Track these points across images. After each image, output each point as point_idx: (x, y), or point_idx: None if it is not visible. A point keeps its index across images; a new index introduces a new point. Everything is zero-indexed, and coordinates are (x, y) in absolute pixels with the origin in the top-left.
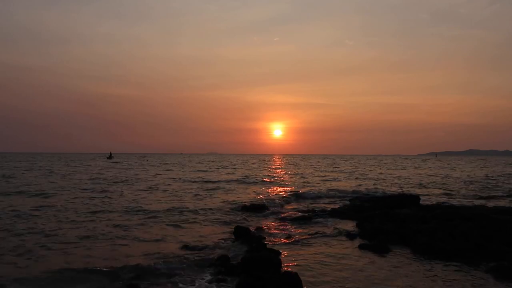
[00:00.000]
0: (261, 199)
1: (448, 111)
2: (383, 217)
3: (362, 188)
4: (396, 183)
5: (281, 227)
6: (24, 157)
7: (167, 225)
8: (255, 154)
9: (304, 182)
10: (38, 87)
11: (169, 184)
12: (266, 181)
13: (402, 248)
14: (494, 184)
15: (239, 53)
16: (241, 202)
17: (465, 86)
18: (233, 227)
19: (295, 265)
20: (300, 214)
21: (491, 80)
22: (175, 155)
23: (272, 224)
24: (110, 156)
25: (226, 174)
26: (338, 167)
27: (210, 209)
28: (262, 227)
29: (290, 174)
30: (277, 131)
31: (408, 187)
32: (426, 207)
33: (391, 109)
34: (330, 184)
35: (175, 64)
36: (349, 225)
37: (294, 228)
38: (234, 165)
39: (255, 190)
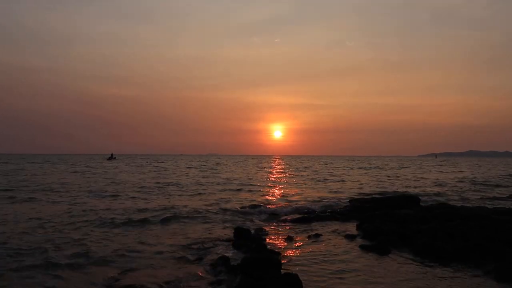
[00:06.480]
0: (261, 200)
1: (448, 111)
2: (383, 218)
3: (362, 189)
4: (395, 184)
5: (281, 228)
6: (34, 158)
7: (166, 225)
8: (255, 155)
9: (304, 182)
10: (39, 87)
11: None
12: (267, 181)
13: (402, 249)
14: (496, 185)
15: (240, 53)
16: (241, 203)
17: (465, 86)
18: (233, 228)
19: (295, 266)
20: (300, 215)
21: (491, 81)
22: (175, 156)
23: (272, 225)
24: (111, 157)
25: (226, 172)
26: (338, 168)
27: (210, 209)
28: (262, 228)
29: (290, 175)
30: (277, 132)
31: (408, 188)
32: (426, 207)
33: (391, 109)
34: (329, 185)
35: (177, 64)
36: (349, 226)
37: (295, 229)
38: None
39: (255, 191)
